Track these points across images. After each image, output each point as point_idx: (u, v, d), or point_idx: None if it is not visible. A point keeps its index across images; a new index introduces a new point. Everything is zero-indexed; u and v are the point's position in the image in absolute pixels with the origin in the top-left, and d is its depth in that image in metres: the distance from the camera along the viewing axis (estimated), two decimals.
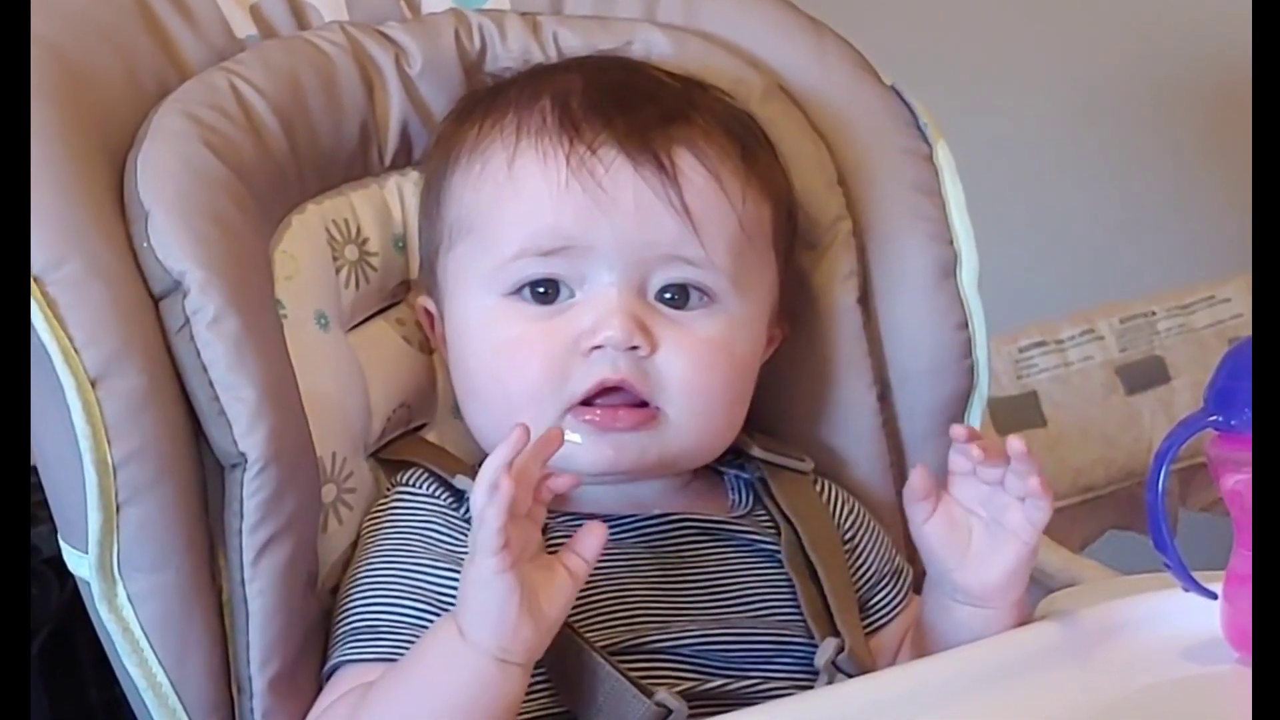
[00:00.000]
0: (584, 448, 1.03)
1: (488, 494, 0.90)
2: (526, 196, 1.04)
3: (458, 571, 0.99)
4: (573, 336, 1.03)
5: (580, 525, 1.04)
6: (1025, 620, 1.01)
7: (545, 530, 1.03)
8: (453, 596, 0.99)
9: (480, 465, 1.07)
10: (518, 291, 1.05)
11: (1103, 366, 1.68)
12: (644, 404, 1.04)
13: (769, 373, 1.13)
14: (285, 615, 1.00)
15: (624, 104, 1.05)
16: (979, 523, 0.99)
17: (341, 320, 1.10)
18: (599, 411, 1.03)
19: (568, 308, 1.04)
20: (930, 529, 0.99)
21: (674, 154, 1.04)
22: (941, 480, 1.00)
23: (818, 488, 1.13)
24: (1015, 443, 0.96)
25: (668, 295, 1.05)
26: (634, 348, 1.03)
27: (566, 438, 1.03)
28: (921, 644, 1.04)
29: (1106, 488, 1.67)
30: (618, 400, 1.03)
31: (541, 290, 1.05)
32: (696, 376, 1.04)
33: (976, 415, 1.17)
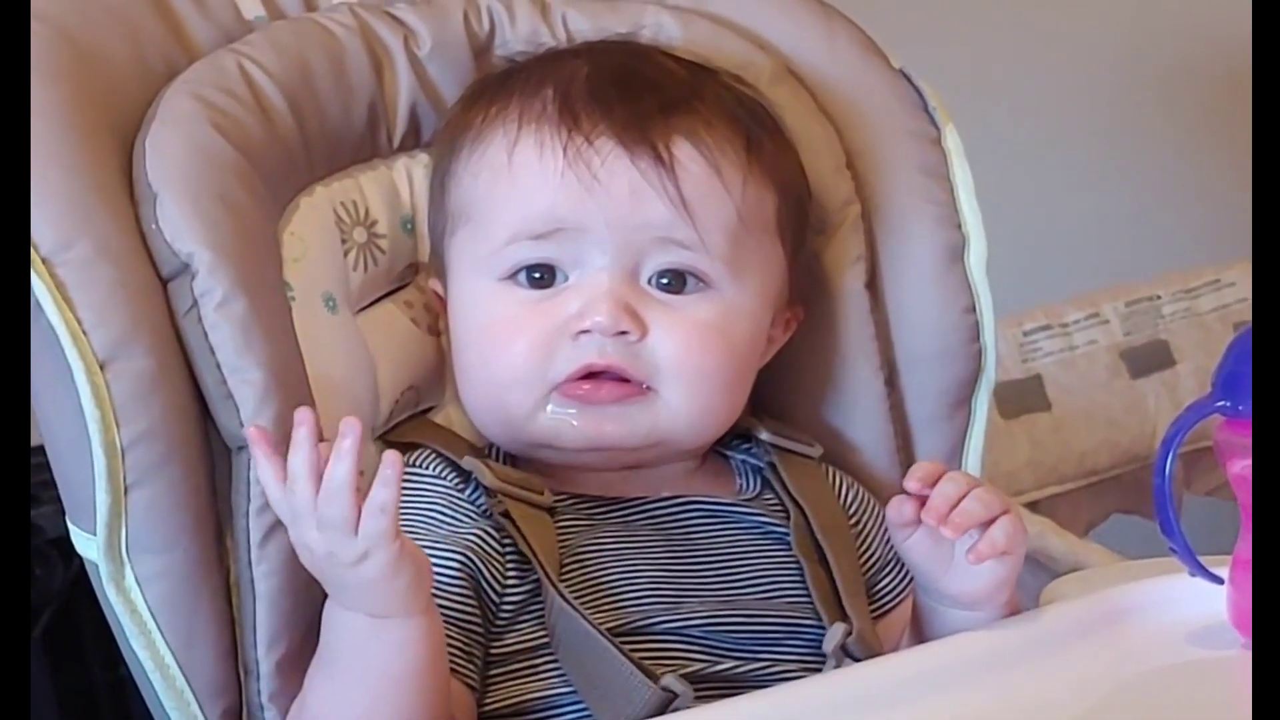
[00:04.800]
0: (571, 424, 1.04)
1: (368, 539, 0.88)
2: (522, 185, 1.05)
3: (458, 552, 1.00)
4: (561, 320, 1.03)
5: (589, 508, 1.04)
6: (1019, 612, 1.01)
7: (553, 513, 1.03)
8: (451, 577, 0.99)
9: (486, 447, 1.08)
10: (513, 276, 1.05)
11: (1107, 350, 1.68)
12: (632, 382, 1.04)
13: (777, 356, 1.13)
14: (292, 597, 1.00)
15: (626, 92, 1.06)
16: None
17: (349, 302, 1.10)
18: (585, 386, 1.03)
19: (560, 291, 1.05)
20: (913, 545, 0.98)
21: (672, 144, 1.04)
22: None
23: (825, 473, 1.12)
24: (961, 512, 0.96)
25: (664, 280, 1.05)
26: (622, 333, 1.03)
27: (554, 415, 1.03)
28: (917, 639, 1.04)
29: (1111, 471, 1.67)
30: (604, 379, 1.04)
31: (537, 275, 1.05)
32: (689, 358, 1.04)
33: (983, 400, 1.17)
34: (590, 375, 1.04)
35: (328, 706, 0.96)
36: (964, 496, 0.97)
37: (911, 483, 0.97)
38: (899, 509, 0.97)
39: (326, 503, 0.88)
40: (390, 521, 0.88)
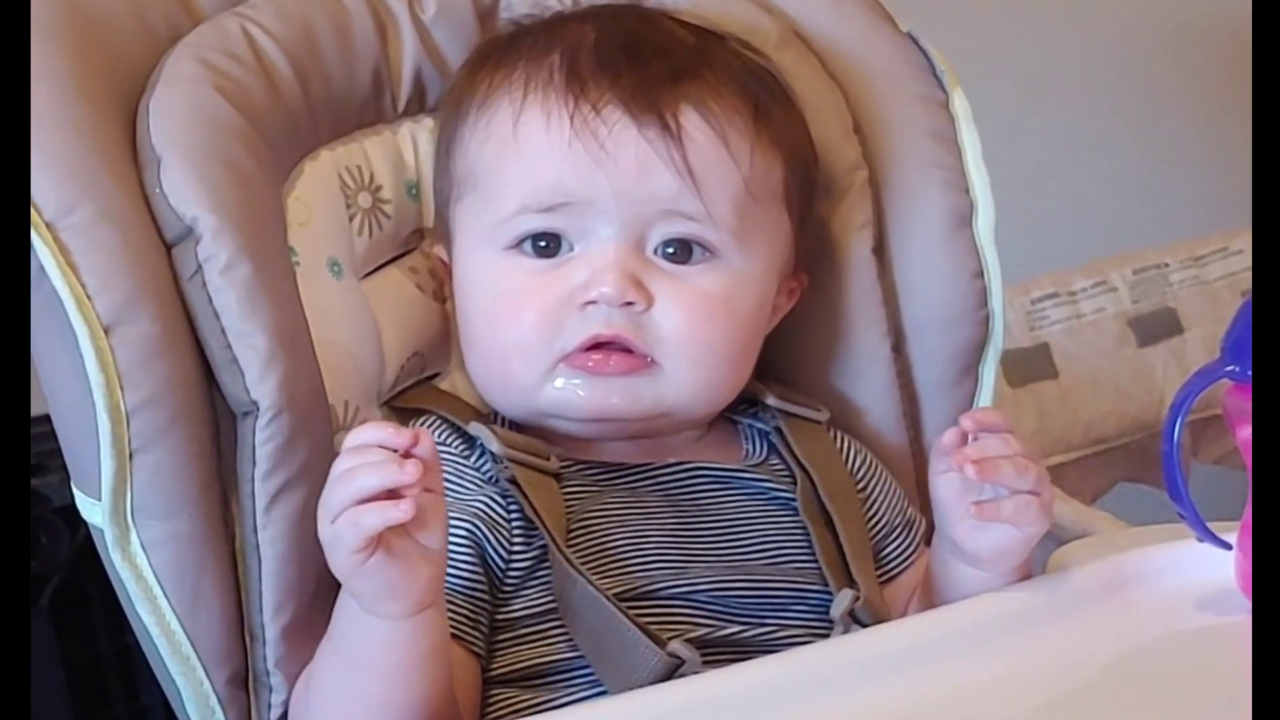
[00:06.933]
0: (578, 394, 1.03)
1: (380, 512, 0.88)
2: (529, 155, 1.04)
3: (465, 520, 1.00)
4: (568, 290, 1.03)
5: (595, 474, 1.04)
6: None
7: (560, 479, 1.03)
8: (457, 545, 0.99)
9: (492, 414, 1.08)
10: (518, 245, 1.05)
11: (1115, 318, 1.67)
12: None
13: (783, 323, 1.13)
14: (298, 563, 1.00)
15: (634, 59, 1.05)
16: (988, 489, 0.98)
17: (354, 268, 1.10)
18: (594, 358, 1.03)
19: (566, 261, 1.04)
20: (943, 481, 0.98)
21: (680, 113, 1.04)
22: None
23: (832, 437, 1.12)
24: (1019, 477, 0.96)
25: (670, 250, 1.05)
26: (629, 303, 1.03)
27: (561, 386, 1.02)
28: (927, 597, 1.04)
29: (1118, 440, 1.66)
30: (611, 350, 1.04)
31: (543, 244, 1.05)
32: (694, 330, 1.04)
33: (991, 366, 1.17)
34: (597, 346, 1.03)
35: (325, 680, 0.96)
36: (1005, 458, 0.96)
37: (967, 420, 0.97)
38: (949, 437, 0.97)
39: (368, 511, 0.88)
40: (365, 534, 0.87)
